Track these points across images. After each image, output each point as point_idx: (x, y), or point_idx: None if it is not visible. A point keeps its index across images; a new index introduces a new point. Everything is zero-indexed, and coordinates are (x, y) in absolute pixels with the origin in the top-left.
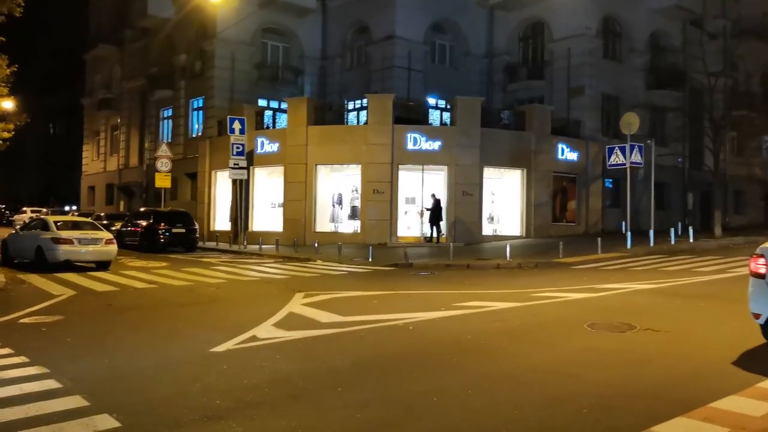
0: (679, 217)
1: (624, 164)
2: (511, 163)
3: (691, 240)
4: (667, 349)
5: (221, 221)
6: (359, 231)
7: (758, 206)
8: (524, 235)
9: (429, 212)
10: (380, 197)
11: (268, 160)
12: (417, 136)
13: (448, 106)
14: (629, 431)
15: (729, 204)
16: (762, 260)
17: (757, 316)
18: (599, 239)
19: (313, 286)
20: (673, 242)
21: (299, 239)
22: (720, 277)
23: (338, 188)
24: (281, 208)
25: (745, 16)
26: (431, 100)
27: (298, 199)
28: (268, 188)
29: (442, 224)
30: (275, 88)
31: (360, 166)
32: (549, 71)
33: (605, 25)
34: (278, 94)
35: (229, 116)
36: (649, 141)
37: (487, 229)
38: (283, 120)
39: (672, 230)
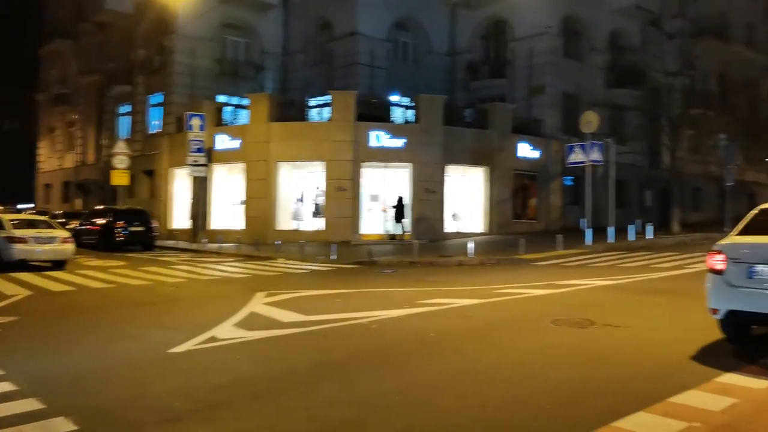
0: (637, 214)
1: (584, 162)
2: (473, 160)
3: (650, 236)
4: (627, 344)
5: (180, 219)
6: (322, 229)
7: (714, 203)
8: (487, 231)
9: (393, 209)
10: (343, 195)
11: (229, 157)
12: (380, 133)
13: (412, 104)
14: (591, 427)
15: (686, 201)
16: (719, 256)
17: (714, 311)
18: (560, 236)
19: (275, 285)
20: (631, 239)
21: (261, 237)
22: (678, 273)
23: (301, 186)
24: (242, 206)
25: (702, 16)
26: (394, 98)
27: (260, 197)
28: (229, 186)
29: (406, 221)
30: (236, 84)
31: (323, 163)
32: (511, 70)
33: (566, 24)
34: (239, 91)
35: (187, 112)
36: (608, 139)
37: (450, 226)
38: (244, 116)
39: (631, 227)
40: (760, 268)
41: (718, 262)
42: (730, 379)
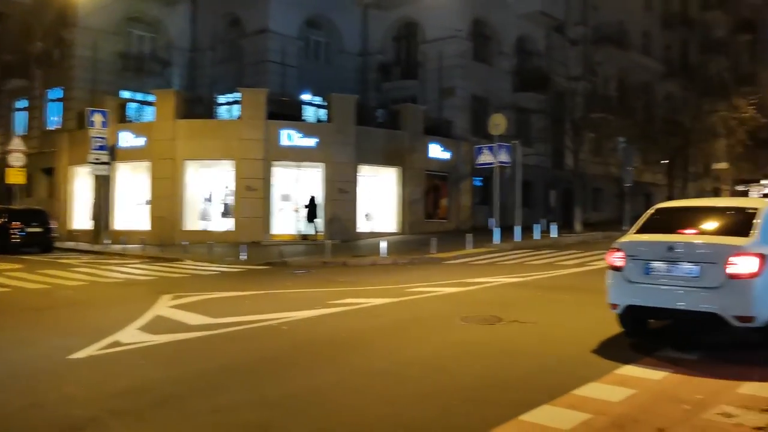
0: (542, 213)
1: (492, 163)
2: (386, 161)
3: (554, 235)
4: (533, 340)
5: (82, 220)
6: (232, 229)
7: (614, 203)
8: (399, 231)
9: (305, 209)
10: (254, 194)
11: (133, 155)
12: (292, 132)
13: (324, 103)
14: (498, 421)
15: (588, 201)
16: (618, 254)
17: (614, 306)
18: (469, 235)
19: (181, 288)
20: (537, 237)
21: (167, 238)
22: (580, 270)
23: (209, 185)
24: (148, 206)
25: (602, 24)
26: (306, 97)
27: (166, 197)
28: (134, 185)
29: (319, 221)
30: (141, 80)
31: (232, 162)
32: (422, 71)
33: (475, 27)
34: (144, 86)
35: (89, 108)
36: (515, 141)
37: (363, 226)
38: (149, 113)
39: (536, 226)
40: (656, 264)
41: (617, 259)
42: (629, 371)
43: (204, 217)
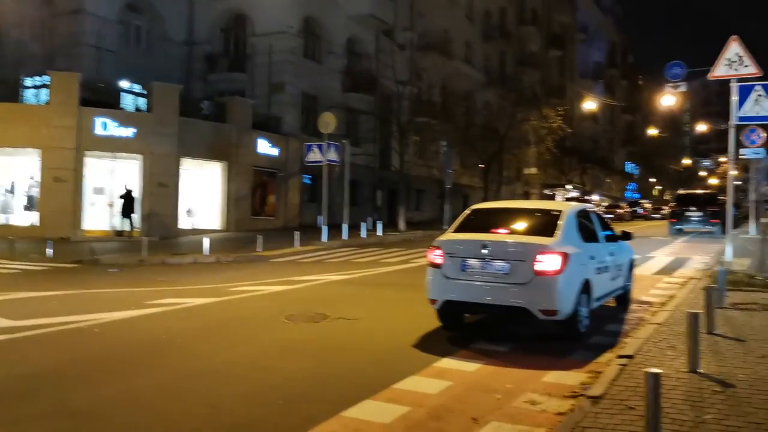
0: (369, 212)
1: (321, 161)
2: (211, 155)
3: (380, 234)
4: (357, 336)
5: None
6: (36, 224)
7: (436, 203)
8: (224, 228)
9: (120, 203)
10: (63, 186)
11: None
12: (107, 120)
13: (144, 92)
14: (321, 419)
15: (412, 201)
16: (437, 251)
17: (433, 301)
18: (297, 233)
19: None
20: (364, 235)
21: None
22: (404, 267)
23: (11, 175)
24: None
25: (429, 31)
26: (124, 84)
27: None
28: None
29: (135, 217)
30: None
31: (39, 150)
32: (251, 65)
33: (306, 25)
34: None
35: None
36: (344, 141)
37: (184, 223)
38: None
39: (363, 224)
40: (471, 261)
41: (436, 257)
42: (446, 363)
43: (5, 210)
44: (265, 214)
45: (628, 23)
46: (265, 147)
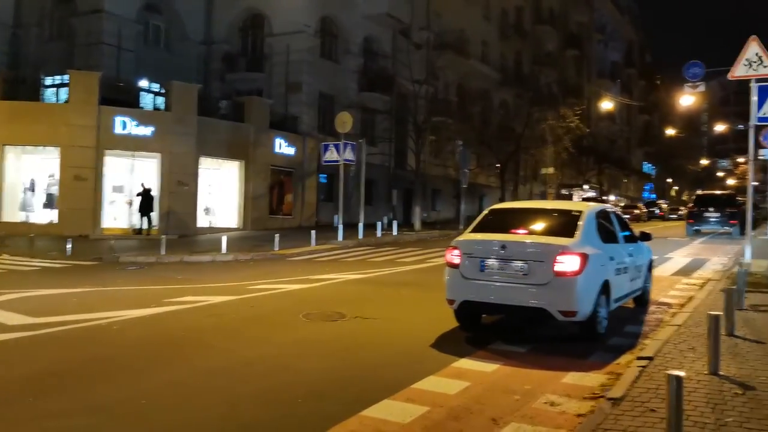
0: (385, 212)
1: (338, 161)
2: (229, 154)
3: (395, 233)
4: (375, 335)
5: None
6: (56, 221)
7: (452, 203)
8: (241, 227)
9: (138, 202)
10: (82, 184)
11: None
12: (127, 119)
13: (163, 91)
14: (340, 417)
15: (427, 201)
16: (456, 251)
17: (451, 302)
18: (313, 232)
19: None
20: (379, 235)
21: None
22: (420, 266)
23: (31, 173)
24: None
25: (445, 30)
26: (143, 83)
27: None
28: None
29: (154, 215)
30: None
31: (58, 148)
32: (268, 65)
33: (323, 25)
34: None
35: None
36: (360, 140)
37: (202, 221)
38: None
39: (379, 224)
40: (490, 262)
41: (454, 257)
42: (465, 364)
43: (25, 207)
44: (282, 213)
45: (646, 22)
46: (282, 146)
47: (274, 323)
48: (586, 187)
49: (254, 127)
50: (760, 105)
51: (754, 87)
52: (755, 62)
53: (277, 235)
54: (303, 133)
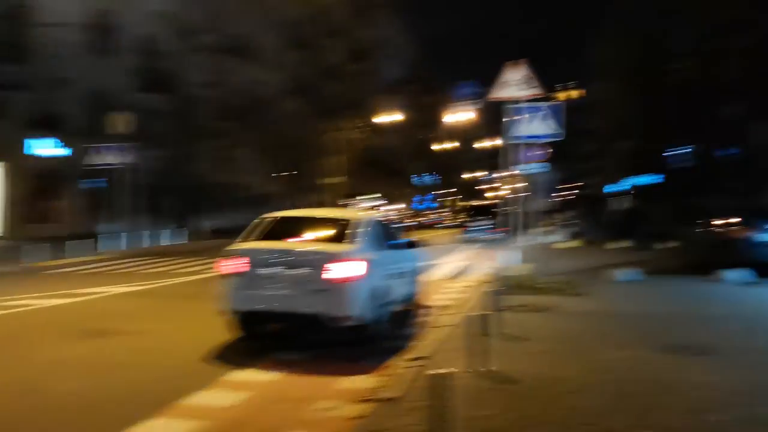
0: (163, 219)
1: (110, 164)
2: None
3: (173, 242)
4: (143, 350)
5: None
6: None
7: (235, 211)
8: (2, 236)
9: None
10: None
11: None
12: None
13: None
14: None
15: (209, 208)
16: (232, 260)
17: (227, 312)
18: (81, 241)
19: None
20: (155, 244)
21: None
22: (197, 277)
23: None
24: None
25: (232, 34)
26: None
27: None
28: None
29: None
30: None
31: None
32: (34, 58)
33: (98, 18)
34: None
35: None
36: (137, 143)
37: None
38: None
39: (156, 232)
40: (267, 270)
41: (231, 266)
42: (241, 375)
43: None
44: (47, 220)
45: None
46: (46, 148)
47: (26, 343)
48: (367, 197)
49: (13, 126)
50: (515, 124)
51: (509, 108)
52: (514, 85)
53: (38, 245)
54: (72, 134)
